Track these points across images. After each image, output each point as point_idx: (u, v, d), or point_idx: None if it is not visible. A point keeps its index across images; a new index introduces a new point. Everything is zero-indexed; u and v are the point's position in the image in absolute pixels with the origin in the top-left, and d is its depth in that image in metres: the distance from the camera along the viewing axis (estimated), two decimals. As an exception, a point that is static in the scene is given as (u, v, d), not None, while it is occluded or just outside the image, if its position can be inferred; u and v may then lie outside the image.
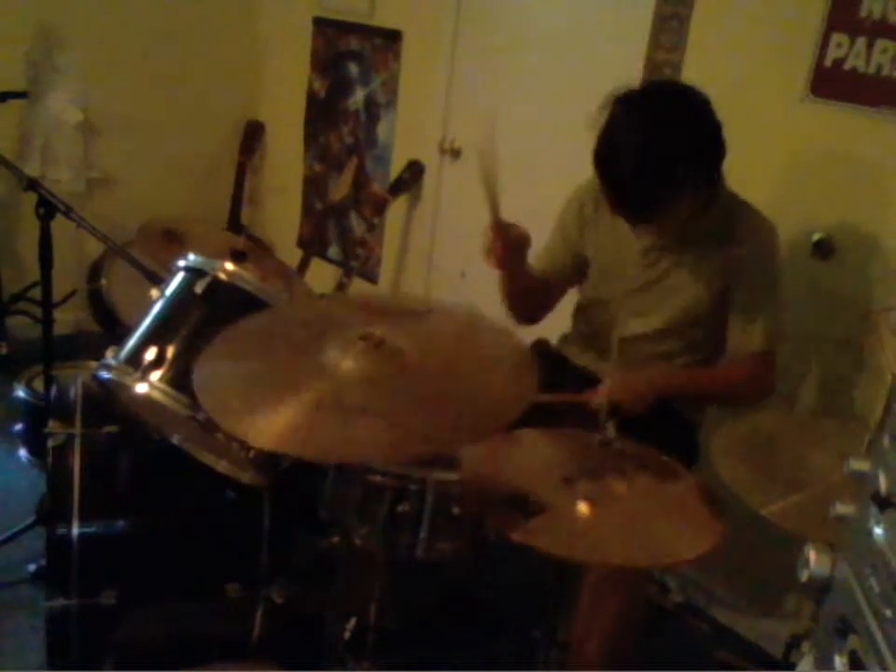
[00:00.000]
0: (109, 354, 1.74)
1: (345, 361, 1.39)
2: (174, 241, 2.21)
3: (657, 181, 1.71)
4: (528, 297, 2.08)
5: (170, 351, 1.67)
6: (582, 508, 1.37)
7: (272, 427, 1.29)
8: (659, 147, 1.70)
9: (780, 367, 1.95)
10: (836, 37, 2.07)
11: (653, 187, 1.72)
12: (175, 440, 1.85)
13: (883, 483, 0.84)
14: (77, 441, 1.85)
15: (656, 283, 1.95)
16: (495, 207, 1.78)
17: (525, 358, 1.47)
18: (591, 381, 1.94)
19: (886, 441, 0.85)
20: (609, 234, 2.01)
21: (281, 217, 4.04)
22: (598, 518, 1.37)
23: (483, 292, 3.14)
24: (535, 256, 2.14)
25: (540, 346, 2.19)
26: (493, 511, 1.41)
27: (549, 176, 2.78)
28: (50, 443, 1.86)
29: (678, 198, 1.75)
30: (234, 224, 3.86)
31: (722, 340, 1.95)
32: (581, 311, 2.16)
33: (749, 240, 1.85)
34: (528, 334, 2.23)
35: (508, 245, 1.86)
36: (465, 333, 1.57)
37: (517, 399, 1.35)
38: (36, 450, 2.35)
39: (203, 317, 1.71)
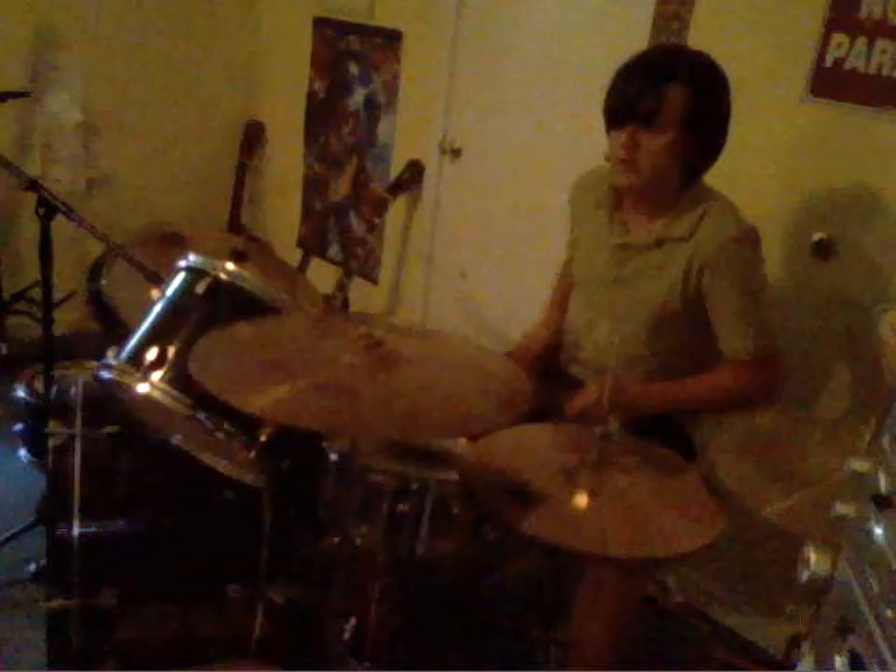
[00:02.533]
0: (110, 354, 1.74)
1: (343, 355, 1.45)
2: (173, 244, 2.20)
3: (658, 74, 1.76)
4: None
5: (171, 351, 1.67)
6: (582, 499, 1.38)
7: (264, 399, 1.36)
8: (666, 63, 1.79)
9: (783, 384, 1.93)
10: (836, 37, 2.07)
11: (654, 76, 1.76)
12: (176, 440, 1.85)
13: (883, 484, 0.84)
14: (78, 442, 1.85)
15: (625, 282, 1.92)
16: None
17: (519, 384, 1.52)
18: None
19: (886, 440, 0.85)
20: (589, 229, 2.03)
21: (281, 217, 4.04)
22: (598, 509, 1.37)
23: (483, 292, 3.16)
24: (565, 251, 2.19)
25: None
26: (492, 502, 1.41)
27: (549, 176, 2.78)
28: (51, 443, 1.86)
29: (669, 109, 1.75)
30: (234, 224, 3.86)
31: (701, 351, 1.92)
32: (566, 322, 2.16)
33: (711, 240, 1.79)
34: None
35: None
36: (464, 354, 1.67)
37: (497, 413, 1.46)
38: (37, 450, 2.34)
39: (204, 318, 1.71)
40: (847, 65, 2.06)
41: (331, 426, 1.36)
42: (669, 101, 1.74)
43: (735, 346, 1.84)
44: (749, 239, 1.81)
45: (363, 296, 3.55)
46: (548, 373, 2.09)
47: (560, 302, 2.18)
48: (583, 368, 2.04)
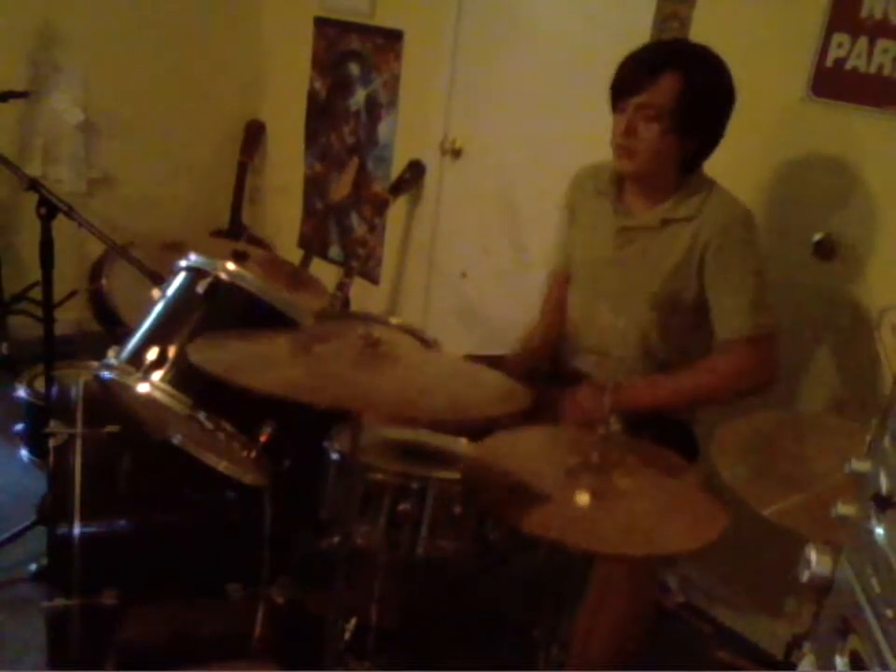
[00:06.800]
0: (110, 354, 1.74)
1: (343, 350, 1.48)
2: (173, 250, 2.20)
3: (655, 59, 1.84)
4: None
5: (171, 351, 1.67)
6: (583, 500, 1.38)
7: (269, 378, 1.39)
8: (662, 51, 1.92)
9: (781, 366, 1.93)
10: (837, 37, 2.07)
11: (650, 60, 1.83)
12: (177, 440, 1.85)
13: (884, 484, 0.84)
14: (79, 441, 1.85)
15: (628, 263, 1.94)
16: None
17: (515, 387, 1.52)
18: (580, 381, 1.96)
19: (886, 441, 0.85)
20: (589, 216, 2.05)
21: (282, 217, 4.04)
22: (600, 508, 1.37)
23: (483, 292, 3.16)
24: (553, 254, 2.22)
25: None
26: (494, 501, 1.41)
27: (549, 175, 2.78)
28: (52, 443, 1.86)
29: (663, 96, 1.80)
30: (235, 224, 3.86)
31: (700, 338, 1.93)
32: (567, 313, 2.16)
33: (716, 218, 1.84)
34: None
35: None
36: (459, 362, 1.74)
37: (490, 405, 1.48)
38: (38, 450, 2.34)
39: (205, 317, 1.71)
40: (848, 65, 2.06)
41: (338, 401, 1.37)
42: (663, 86, 1.79)
43: (734, 324, 1.84)
44: (750, 221, 1.88)
45: (364, 296, 3.55)
46: (547, 374, 2.09)
47: (553, 306, 2.18)
48: (587, 357, 2.04)
